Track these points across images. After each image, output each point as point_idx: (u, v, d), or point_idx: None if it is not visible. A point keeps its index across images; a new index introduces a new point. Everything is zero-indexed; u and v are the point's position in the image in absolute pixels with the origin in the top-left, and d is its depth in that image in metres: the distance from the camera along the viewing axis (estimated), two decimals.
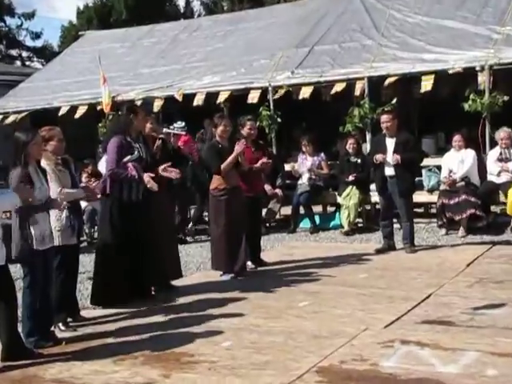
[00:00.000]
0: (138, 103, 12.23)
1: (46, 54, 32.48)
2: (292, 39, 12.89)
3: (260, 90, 11.48)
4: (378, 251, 8.40)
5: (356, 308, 5.86)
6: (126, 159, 6.35)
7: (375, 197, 9.47)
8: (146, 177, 6.31)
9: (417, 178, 9.47)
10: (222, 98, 11.84)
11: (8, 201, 4.74)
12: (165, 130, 8.99)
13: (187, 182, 10.43)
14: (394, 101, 10.34)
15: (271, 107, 11.39)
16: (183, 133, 10.29)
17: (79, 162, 12.23)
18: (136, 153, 6.47)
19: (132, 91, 13.02)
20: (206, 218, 11.01)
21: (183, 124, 10.83)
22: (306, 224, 10.59)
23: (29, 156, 5.09)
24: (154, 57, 14.69)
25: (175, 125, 10.49)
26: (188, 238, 10.34)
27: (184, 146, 10.16)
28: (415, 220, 8.81)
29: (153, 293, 6.87)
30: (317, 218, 10.60)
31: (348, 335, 5.07)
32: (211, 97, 12.06)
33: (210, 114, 8.93)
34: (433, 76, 10.26)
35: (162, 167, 6.61)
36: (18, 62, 32.90)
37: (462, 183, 9.42)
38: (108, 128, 6.89)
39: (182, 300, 6.56)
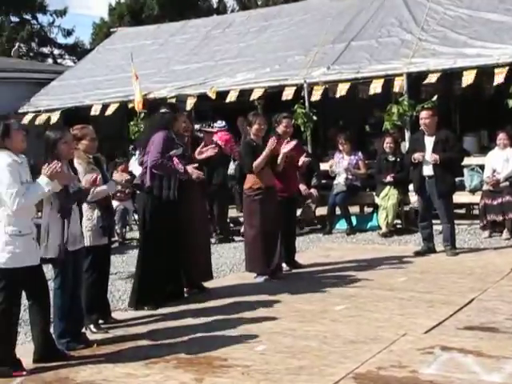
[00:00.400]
0: (171, 101, 12.30)
1: (78, 52, 32.89)
2: (328, 34, 12.84)
3: (295, 87, 11.46)
4: (418, 254, 8.32)
5: (394, 312, 5.80)
6: (172, 153, 6.46)
7: (414, 197, 9.37)
8: (190, 168, 6.48)
9: (458, 178, 9.35)
10: (255, 96, 11.85)
11: (38, 193, 4.79)
12: (196, 126, 9.04)
13: (228, 182, 10.48)
14: (435, 98, 10.22)
15: (306, 104, 11.36)
16: (214, 130, 10.35)
17: (110, 161, 12.39)
18: (180, 148, 6.58)
19: (164, 89, 13.11)
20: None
21: (223, 123, 10.94)
22: (342, 225, 10.54)
23: (59, 155, 5.15)
24: (187, 53, 14.77)
25: (215, 124, 10.60)
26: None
27: (225, 145, 10.21)
28: (456, 221, 8.70)
29: (185, 295, 6.91)
30: (353, 219, 10.55)
31: (386, 340, 5.03)
32: (245, 94, 12.08)
33: (244, 112, 8.94)
34: (475, 71, 10.12)
35: (197, 151, 6.80)
36: (50, 60, 33.37)
37: (506, 183, 9.26)
38: (149, 124, 6.98)
39: (214, 302, 6.57)
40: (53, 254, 5.11)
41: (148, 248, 6.50)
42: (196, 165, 6.63)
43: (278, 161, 7.42)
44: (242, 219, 10.01)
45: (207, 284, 7.13)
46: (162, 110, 6.76)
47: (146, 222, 6.54)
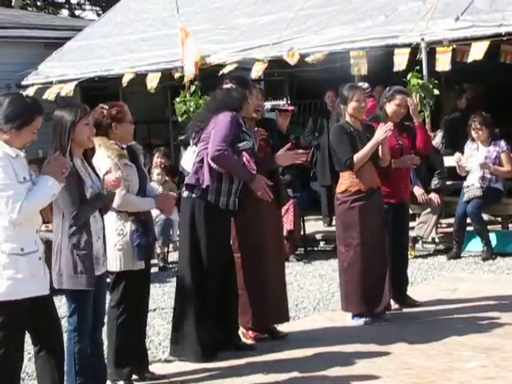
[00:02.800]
0: (230, 68, 12.42)
1: (103, 0, 33.55)
2: None
3: (408, 49, 11.39)
4: None
5: None
6: (241, 145, 6.54)
7: None
8: (262, 181, 6.51)
9: None
10: (353, 62, 11.82)
11: (47, 191, 4.82)
12: (267, 104, 9.02)
13: None
14: None
15: (424, 73, 11.27)
16: (291, 108, 10.35)
17: (147, 153, 12.59)
18: (250, 140, 6.65)
19: (223, 51, 13.22)
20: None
21: (366, 85, 10.89)
22: (476, 246, 10.47)
23: (74, 142, 5.22)
24: (254, 1, 14.88)
25: (362, 85, 10.45)
26: None
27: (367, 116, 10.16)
28: None
29: (251, 342, 6.97)
30: (493, 237, 10.44)
31: None
32: (336, 58, 12.08)
33: (335, 85, 8.94)
34: None
35: (281, 153, 6.81)
36: (65, 12, 34.12)
37: None
38: (210, 102, 7.00)
39: (291, 353, 6.60)
40: (69, 285, 5.20)
41: (192, 274, 6.57)
42: (270, 183, 6.61)
43: (380, 153, 7.39)
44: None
45: (282, 327, 7.17)
46: (228, 86, 6.80)
47: (193, 238, 6.60)
